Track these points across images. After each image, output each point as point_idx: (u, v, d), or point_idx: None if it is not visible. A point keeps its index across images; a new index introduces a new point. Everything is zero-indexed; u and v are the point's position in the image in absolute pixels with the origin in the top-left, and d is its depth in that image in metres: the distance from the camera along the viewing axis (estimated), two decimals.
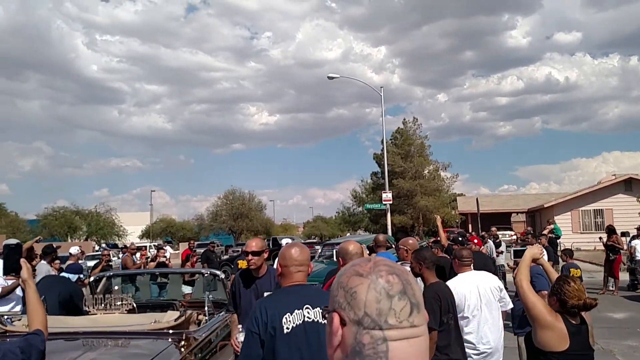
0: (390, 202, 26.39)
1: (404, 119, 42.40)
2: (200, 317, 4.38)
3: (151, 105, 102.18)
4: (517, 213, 37.42)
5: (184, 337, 3.79)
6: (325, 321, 0.95)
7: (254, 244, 4.03)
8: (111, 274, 6.97)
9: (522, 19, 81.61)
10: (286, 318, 2.49)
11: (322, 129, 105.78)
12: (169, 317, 4.18)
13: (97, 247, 39.49)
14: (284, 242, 10.40)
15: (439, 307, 3.79)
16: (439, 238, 8.34)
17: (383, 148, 30.33)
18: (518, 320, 5.45)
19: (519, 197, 42.37)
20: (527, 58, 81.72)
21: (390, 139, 40.65)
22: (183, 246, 39.14)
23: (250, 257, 3.97)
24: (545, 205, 30.21)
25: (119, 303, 4.75)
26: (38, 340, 1.97)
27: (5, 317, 4.30)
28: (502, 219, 33.72)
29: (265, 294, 3.50)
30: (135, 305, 5.23)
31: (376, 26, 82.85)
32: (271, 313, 2.50)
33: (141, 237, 54.30)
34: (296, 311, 2.51)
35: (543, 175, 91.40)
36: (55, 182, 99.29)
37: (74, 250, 10.93)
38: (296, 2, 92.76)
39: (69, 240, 40.64)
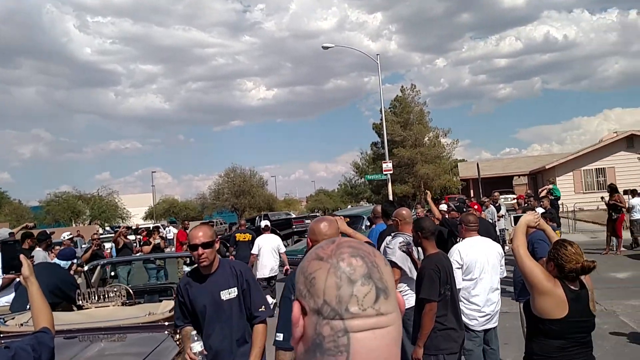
0: (391, 172, 26.24)
1: (402, 87, 41.98)
2: None
3: (147, 85, 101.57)
4: (519, 176, 37.32)
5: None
6: None
7: (202, 234, 3.11)
8: (105, 261, 6.91)
9: None
10: None
11: (320, 101, 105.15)
12: (163, 308, 4.12)
13: (101, 231, 39.69)
14: (262, 224, 10.04)
15: (439, 279, 3.76)
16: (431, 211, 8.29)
17: (382, 117, 30.05)
18: (520, 286, 5.40)
19: (520, 159, 42.21)
20: (525, 17, 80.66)
21: (389, 108, 40.33)
22: (192, 225, 39.23)
23: (200, 250, 3.07)
24: (547, 167, 30.05)
25: (112, 294, 4.65)
26: (47, 338, 1.95)
27: None
28: (504, 183, 33.66)
29: (222, 293, 3.14)
30: (131, 291, 5.17)
31: None
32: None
33: (145, 218, 54.51)
34: None
35: (545, 136, 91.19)
36: (57, 167, 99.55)
37: (65, 235, 10.93)
38: None
39: (73, 225, 40.77)
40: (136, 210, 54.32)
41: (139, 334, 3.81)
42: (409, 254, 4.64)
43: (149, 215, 55.99)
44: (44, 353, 1.87)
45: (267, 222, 10.14)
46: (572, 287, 2.87)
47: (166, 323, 3.80)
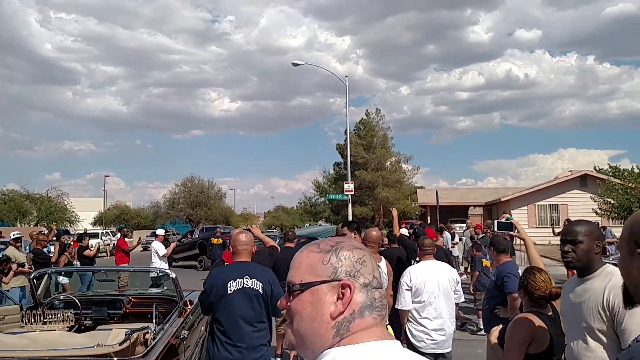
0: (352, 193, 26.26)
1: (367, 110, 42.46)
2: (148, 335, 3.85)
3: (107, 87, 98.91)
4: (475, 206, 38.02)
5: None
6: (287, 293, 1.06)
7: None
8: (53, 270, 6.46)
9: (484, 14, 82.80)
10: (230, 283, 3.56)
11: (285, 118, 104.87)
12: (114, 339, 3.79)
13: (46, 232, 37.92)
14: (158, 231, 11.87)
15: None
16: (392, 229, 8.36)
17: (346, 138, 30.14)
18: (487, 317, 5.25)
19: (477, 190, 43.11)
20: (489, 54, 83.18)
21: (354, 130, 40.57)
22: (138, 234, 38.07)
23: None
24: (503, 199, 30.73)
25: (59, 316, 4.35)
26: None
27: None
28: (460, 212, 34.18)
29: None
30: (79, 302, 5.00)
31: (340, 15, 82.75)
32: (221, 279, 3.61)
33: (94, 223, 52.54)
34: (238, 279, 3.58)
35: (501, 169, 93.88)
36: (5, 164, 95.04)
37: (12, 235, 10.23)
38: None
39: (18, 225, 38.86)
40: (85, 214, 52.35)
41: None
42: None
43: (98, 221, 54.00)
44: None
45: (162, 230, 12.07)
46: (547, 313, 2.86)
47: (115, 358, 3.43)
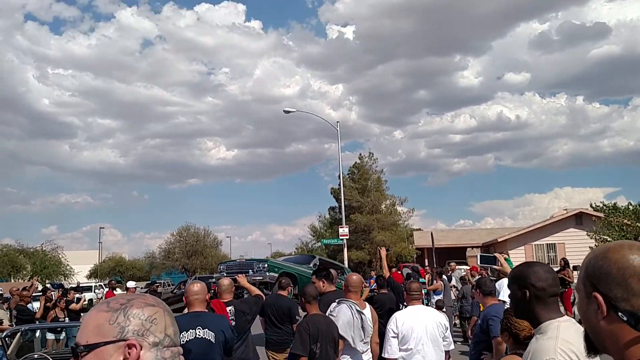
0: (347, 237, 26.07)
1: (360, 154, 42.73)
2: None
3: (103, 139, 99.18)
4: (473, 247, 37.74)
5: None
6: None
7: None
8: (26, 328, 6.28)
9: (473, 59, 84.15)
10: (183, 334, 3.52)
11: (281, 165, 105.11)
12: None
13: (40, 287, 37.27)
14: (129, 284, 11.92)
15: (308, 336, 4.16)
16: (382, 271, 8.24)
17: (340, 183, 30.20)
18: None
19: (474, 231, 42.89)
20: (479, 97, 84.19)
21: (348, 174, 40.75)
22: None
23: None
24: (499, 240, 30.53)
25: None
26: None
27: None
28: (458, 254, 33.84)
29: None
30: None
31: (333, 65, 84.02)
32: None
33: (89, 276, 51.74)
34: (190, 330, 3.63)
35: (498, 210, 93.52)
36: (1, 219, 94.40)
37: None
38: (253, 40, 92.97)
39: (12, 281, 38.26)
40: (80, 267, 51.67)
41: None
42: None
43: (93, 274, 53.20)
44: None
45: (133, 283, 11.90)
46: None
47: None
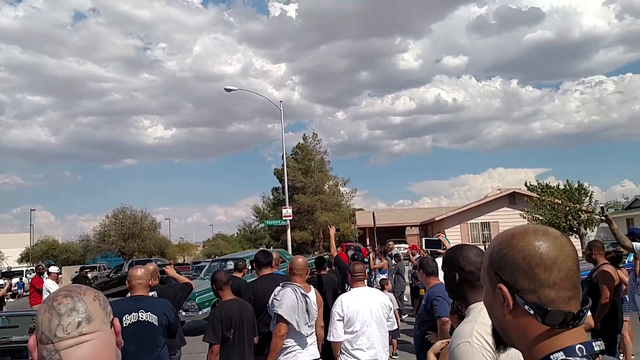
0: (291, 218, 25.96)
1: (304, 135, 42.64)
2: None
3: (33, 117, 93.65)
4: (411, 226, 38.76)
5: None
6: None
7: None
8: None
9: (413, 42, 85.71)
10: (126, 317, 3.67)
11: (222, 144, 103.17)
12: None
13: None
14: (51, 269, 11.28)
15: (220, 323, 4.24)
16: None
17: (283, 163, 29.99)
18: (419, 344, 5.12)
19: (412, 211, 44.05)
20: (418, 80, 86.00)
21: (291, 154, 40.57)
22: (67, 270, 35.77)
23: None
24: (437, 219, 31.49)
25: None
26: None
27: None
28: (398, 233, 34.65)
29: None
30: None
31: (275, 43, 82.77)
32: (117, 312, 2.92)
33: (20, 260, 49.05)
34: (133, 313, 3.72)
35: (435, 190, 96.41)
36: None
37: None
38: (192, 14, 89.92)
39: None
40: (11, 251, 48.90)
41: None
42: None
43: (24, 257, 50.44)
44: None
45: (55, 268, 11.37)
46: None
47: None
